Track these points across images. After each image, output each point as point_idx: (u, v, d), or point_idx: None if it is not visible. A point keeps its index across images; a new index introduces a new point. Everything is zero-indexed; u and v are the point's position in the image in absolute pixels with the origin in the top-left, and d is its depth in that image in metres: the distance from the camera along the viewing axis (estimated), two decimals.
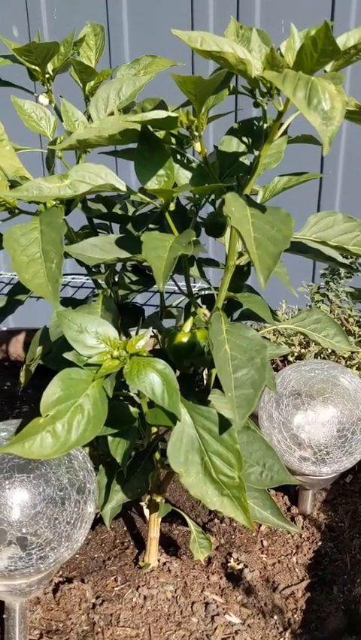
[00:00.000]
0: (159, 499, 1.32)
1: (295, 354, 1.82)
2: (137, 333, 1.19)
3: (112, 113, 1.07)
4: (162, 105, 0.94)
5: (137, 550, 1.47)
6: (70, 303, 1.18)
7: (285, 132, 0.97)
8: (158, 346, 1.20)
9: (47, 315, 1.12)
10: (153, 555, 1.40)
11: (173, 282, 1.14)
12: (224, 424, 0.96)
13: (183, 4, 2.00)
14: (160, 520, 1.37)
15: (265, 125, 0.92)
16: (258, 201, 1.01)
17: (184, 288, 1.09)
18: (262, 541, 1.50)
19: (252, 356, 0.90)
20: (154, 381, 0.91)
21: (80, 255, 0.96)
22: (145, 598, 1.34)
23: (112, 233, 1.25)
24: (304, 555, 1.47)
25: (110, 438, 1.08)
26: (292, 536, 1.51)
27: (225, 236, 1.07)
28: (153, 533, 1.38)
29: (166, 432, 1.22)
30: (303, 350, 1.81)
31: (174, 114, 0.85)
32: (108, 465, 1.19)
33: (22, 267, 0.83)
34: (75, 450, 1.10)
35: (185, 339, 1.04)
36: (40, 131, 1.13)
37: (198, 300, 1.16)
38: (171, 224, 0.95)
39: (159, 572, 1.40)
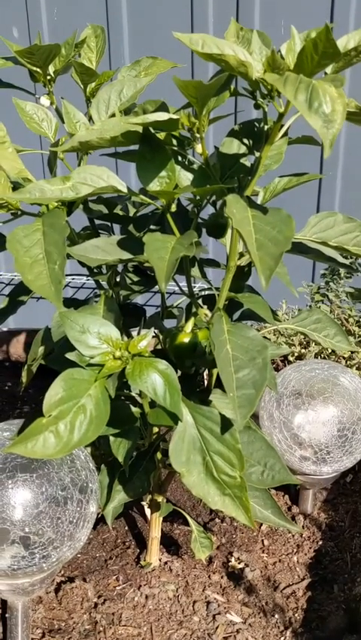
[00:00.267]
0: (160, 498, 1.32)
1: (296, 354, 1.83)
2: (138, 334, 1.20)
3: (113, 115, 1.07)
4: (163, 107, 0.95)
5: (138, 550, 1.48)
6: (71, 303, 1.19)
7: (285, 133, 0.97)
8: (159, 346, 1.21)
9: (47, 315, 1.13)
10: (155, 554, 1.41)
11: (174, 283, 1.15)
12: (225, 423, 0.96)
13: (182, 6, 2.00)
14: (161, 519, 1.38)
15: (266, 127, 0.93)
16: (258, 202, 1.02)
17: (185, 289, 1.10)
18: (263, 540, 1.51)
19: (253, 356, 0.90)
20: (156, 381, 0.91)
21: (82, 256, 0.97)
22: (147, 597, 1.34)
23: (113, 234, 1.25)
24: (305, 554, 1.48)
25: (112, 438, 1.09)
26: (293, 536, 1.52)
27: (226, 237, 1.08)
28: (155, 533, 1.38)
29: (167, 432, 1.22)
30: (303, 350, 1.82)
31: (175, 116, 0.86)
32: (110, 465, 1.20)
33: (26, 268, 0.84)
34: (77, 450, 1.11)
35: (186, 340, 1.05)
36: (41, 132, 1.13)
37: (200, 301, 1.16)
38: (172, 225, 0.95)
39: (161, 571, 1.40)
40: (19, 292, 1.19)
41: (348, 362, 1.79)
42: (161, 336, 1.17)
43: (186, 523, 1.49)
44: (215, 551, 1.47)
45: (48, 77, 1.15)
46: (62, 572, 1.42)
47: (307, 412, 1.41)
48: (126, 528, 1.54)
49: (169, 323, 1.21)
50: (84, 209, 1.17)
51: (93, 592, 1.36)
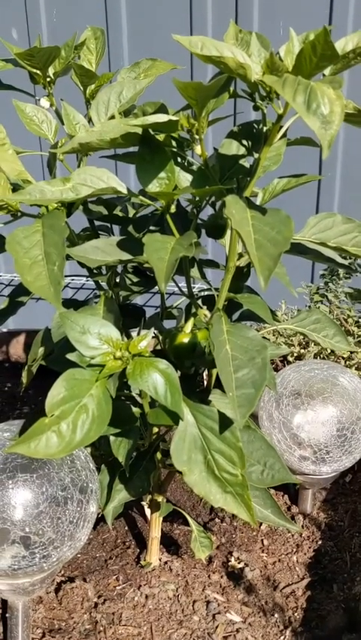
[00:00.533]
0: (160, 498, 1.33)
1: (295, 354, 1.83)
2: (138, 334, 1.20)
3: (113, 116, 1.08)
4: (162, 109, 0.95)
5: (138, 550, 1.48)
6: (71, 304, 1.19)
7: (284, 135, 0.98)
8: (159, 347, 1.21)
9: (47, 316, 1.13)
10: (155, 554, 1.42)
11: (173, 283, 1.15)
12: (226, 422, 0.97)
13: (181, 7, 2.01)
14: (161, 519, 1.38)
15: (265, 128, 0.93)
16: (258, 203, 1.02)
17: (185, 289, 1.10)
18: (262, 540, 1.51)
19: (253, 356, 0.91)
20: (157, 380, 0.92)
21: (82, 257, 0.97)
22: (147, 597, 1.35)
23: (113, 234, 1.26)
24: (305, 554, 1.48)
25: (112, 438, 1.09)
26: (293, 535, 1.52)
27: (225, 238, 1.08)
28: (155, 533, 1.39)
29: (167, 432, 1.23)
30: (303, 350, 1.82)
31: (174, 118, 0.86)
32: (110, 465, 1.20)
33: (25, 269, 0.84)
34: (77, 450, 1.11)
35: (186, 340, 1.05)
36: (41, 134, 1.14)
37: (199, 301, 1.17)
38: (172, 226, 0.96)
39: (161, 571, 1.41)
40: (19, 293, 1.19)
41: (347, 362, 1.79)
42: (161, 337, 1.18)
43: (186, 523, 1.49)
44: (215, 551, 1.47)
45: (48, 79, 1.15)
46: (63, 572, 1.43)
47: (307, 411, 1.41)
48: (126, 528, 1.55)
49: (169, 323, 1.21)
50: (84, 210, 1.18)
51: (93, 592, 1.37)
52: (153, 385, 0.91)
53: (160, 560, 1.43)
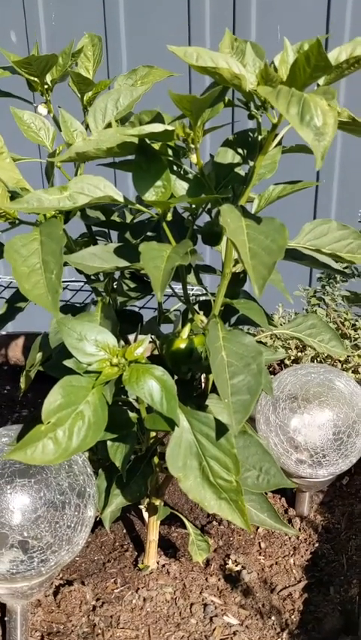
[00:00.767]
0: (157, 502, 1.34)
1: (292, 357, 1.84)
2: (135, 339, 1.21)
3: (110, 124, 1.09)
4: (158, 117, 0.96)
5: (136, 553, 1.49)
6: (69, 309, 1.20)
7: (279, 143, 0.99)
8: (156, 351, 1.22)
9: (45, 319, 1.14)
10: (152, 557, 1.42)
11: (170, 288, 1.16)
12: (221, 429, 0.98)
13: (180, 13, 2.02)
14: (159, 522, 1.39)
15: (260, 137, 0.94)
16: (253, 209, 1.03)
17: (182, 294, 1.11)
18: (259, 543, 1.52)
19: (248, 362, 0.92)
20: (153, 387, 0.93)
21: (79, 264, 0.98)
22: (144, 600, 1.36)
23: (111, 240, 1.26)
24: (302, 556, 1.49)
25: (109, 442, 1.10)
26: (290, 538, 1.53)
27: (221, 245, 1.09)
28: (152, 536, 1.40)
29: (165, 436, 1.24)
30: (299, 353, 1.83)
31: (170, 127, 0.87)
32: (108, 469, 1.21)
33: (23, 277, 0.85)
34: (75, 455, 1.12)
35: (182, 345, 1.06)
36: (39, 141, 1.15)
37: (196, 307, 1.18)
38: (168, 234, 0.97)
39: (158, 574, 1.41)
40: (17, 299, 1.20)
41: (344, 365, 1.80)
42: (158, 342, 1.19)
43: (184, 526, 1.50)
44: (212, 554, 1.48)
45: (45, 86, 1.16)
46: (61, 575, 1.44)
47: (303, 415, 1.42)
48: (124, 531, 1.56)
49: (166, 328, 1.22)
50: (81, 216, 1.19)
51: (91, 595, 1.38)
52: (149, 392, 0.92)
53: (158, 562, 1.44)
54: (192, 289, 1.75)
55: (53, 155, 1.12)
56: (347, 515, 1.60)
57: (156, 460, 1.24)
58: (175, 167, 1.00)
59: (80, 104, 1.21)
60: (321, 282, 1.92)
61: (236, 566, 1.45)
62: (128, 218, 1.26)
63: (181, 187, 1.00)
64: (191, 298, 1.17)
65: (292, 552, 1.50)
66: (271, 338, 1.86)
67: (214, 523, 1.58)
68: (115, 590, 1.39)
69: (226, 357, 0.92)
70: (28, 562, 1.06)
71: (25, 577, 1.09)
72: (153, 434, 1.24)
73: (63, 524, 1.08)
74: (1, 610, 1.31)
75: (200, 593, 1.39)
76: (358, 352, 1.79)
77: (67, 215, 1.07)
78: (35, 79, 1.14)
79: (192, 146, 0.90)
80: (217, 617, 1.33)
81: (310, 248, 1.03)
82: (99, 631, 1.30)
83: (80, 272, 1.07)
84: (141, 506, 1.40)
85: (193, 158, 0.92)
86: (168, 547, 1.50)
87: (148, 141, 0.94)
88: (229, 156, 1.03)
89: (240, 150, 1.03)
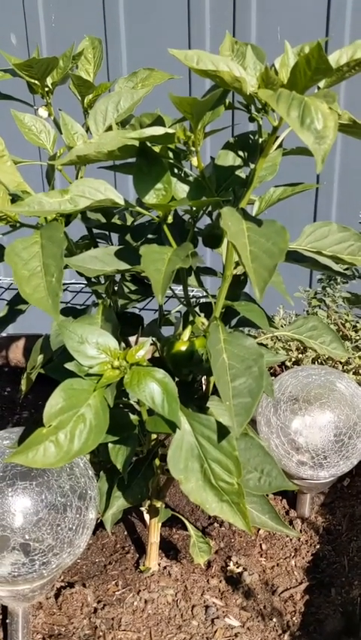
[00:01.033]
0: (159, 504, 1.34)
1: (293, 359, 1.84)
2: (136, 342, 1.21)
3: (110, 126, 1.09)
4: (159, 120, 0.96)
5: (137, 555, 1.49)
6: (70, 311, 1.20)
7: (280, 145, 0.99)
8: (157, 354, 1.22)
9: (46, 321, 1.14)
10: (154, 559, 1.42)
11: (171, 291, 1.16)
12: (223, 431, 0.98)
13: (180, 16, 2.02)
14: (160, 524, 1.39)
15: (261, 140, 0.94)
16: (254, 212, 1.03)
17: (182, 297, 1.11)
18: (261, 544, 1.52)
19: (249, 365, 0.92)
20: (154, 390, 0.93)
21: (80, 267, 0.98)
22: (146, 602, 1.36)
23: (111, 242, 1.27)
24: (303, 558, 1.49)
25: (110, 445, 1.10)
26: (291, 540, 1.53)
27: (222, 247, 1.09)
28: (154, 538, 1.40)
29: (166, 437, 1.24)
30: (300, 355, 1.83)
31: (171, 130, 0.87)
32: (109, 471, 1.21)
33: (24, 280, 0.85)
34: (77, 457, 1.12)
35: (183, 348, 1.06)
36: (40, 144, 1.15)
37: (197, 309, 1.18)
38: (169, 236, 0.97)
39: (160, 576, 1.42)
40: (18, 301, 1.20)
41: (345, 367, 1.80)
42: (159, 344, 1.19)
43: (185, 528, 1.50)
44: (214, 556, 1.48)
45: (46, 89, 1.16)
46: (62, 578, 1.44)
47: (304, 417, 1.42)
48: (125, 533, 1.56)
49: (167, 330, 1.22)
50: (82, 218, 1.19)
51: (93, 597, 1.38)
52: (150, 395, 0.92)
53: (159, 564, 1.44)
54: (193, 291, 1.75)
55: (54, 157, 1.12)
56: (348, 517, 1.60)
57: (157, 462, 1.24)
58: (176, 170, 1.00)
59: (81, 106, 1.21)
60: (322, 283, 1.92)
61: (237, 567, 1.45)
62: (129, 220, 1.26)
63: (182, 190, 1.00)
64: (192, 300, 1.17)
65: (293, 554, 1.50)
66: (272, 340, 1.86)
67: (215, 524, 1.58)
68: (116, 592, 1.39)
69: (227, 359, 0.92)
70: (29, 564, 1.06)
71: (27, 579, 1.09)
72: (154, 436, 1.24)
73: (65, 527, 1.08)
74: (2, 612, 1.32)
75: (201, 594, 1.39)
76: (359, 354, 1.79)
77: (68, 218, 1.07)
78: (36, 81, 1.14)
79: (193, 148, 0.90)
80: (219, 619, 1.33)
81: (311, 250, 1.03)
82: (100, 633, 1.30)
83: (80, 274, 1.07)
84: (142, 508, 1.40)
85: (194, 160, 0.92)
86: (169, 549, 1.50)
87: (149, 144, 0.94)
88: (229, 159, 1.03)
89: (241, 153, 1.03)
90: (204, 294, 1.19)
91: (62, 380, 0.93)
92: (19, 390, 1.25)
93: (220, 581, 1.42)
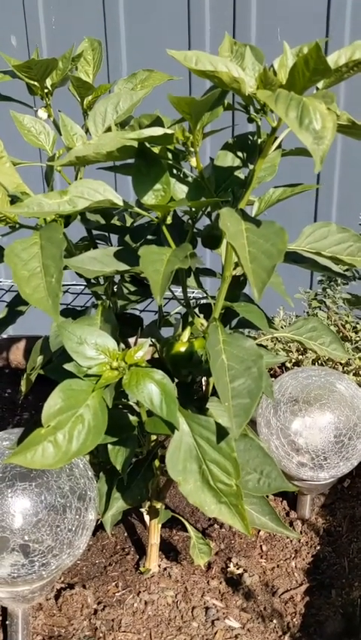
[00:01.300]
0: (158, 505, 1.34)
1: (293, 360, 1.84)
2: (135, 343, 1.21)
3: (110, 128, 1.09)
4: (158, 121, 0.96)
5: (137, 556, 1.49)
6: (70, 313, 1.20)
7: (279, 146, 0.99)
8: (156, 355, 1.22)
9: (46, 322, 1.14)
10: (154, 561, 1.42)
11: (170, 292, 1.16)
12: (221, 432, 0.98)
13: (180, 16, 2.02)
14: (160, 526, 1.39)
15: (260, 140, 0.94)
16: (253, 213, 1.03)
17: (182, 298, 1.11)
18: (261, 546, 1.52)
19: (248, 366, 0.92)
20: (152, 391, 0.93)
21: (79, 268, 0.98)
22: (146, 603, 1.36)
23: (111, 243, 1.27)
24: (303, 559, 1.49)
25: (110, 446, 1.10)
26: (291, 541, 1.53)
27: (221, 248, 1.09)
28: (154, 539, 1.40)
29: (166, 439, 1.24)
30: (300, 356, 1.83)
31: (170, 131, 0.87)
32: (108, 472, 1.21)
33: (23, 281, 0.85)
34: (76, 458, 1.12)
35: (183, 349, 1.06)
36: (39, 145, 1.15)
37: (196, 310, 1.18)
38: (168, 237, 0.97)
39: (160, 577, 1.41)
40: (18, 302, 1.20)
41: (345, 368, 1.80)
42: (158, 345, 1.19)
43: (185, 529, 1.50)
44: (214, 557, 1.48)
45: (46, 90, 1.16)
46: (62, 579, 1.43)
47: (304, 418, 1.42)
48: (125, 534, 1.56)
49: (166, 331, 1.22)
50: (81, 220, 1.19)
51: (93, 598, 1.38)
52: (149, 396, 0.92)
53: (159, 566, 1.44)
54: (193, 292, 1.75)
55: (53, 158, 1.12)
56: (348, 518, 1.59)
57: (156, 463, 1.24)
58: (175, 171, 1.00)
59: (80, 108, 1.21)
60: (322, 284, 1.92)
61: (238, 569, 1.45)
62: (128, 221, 1.26)
63: (181, 190, 1.00)
64: (191, 301, 1.17)
65: (293, 555, 1.50)
66: (271, 341, 1.86)
67: (216, 526, 1.57)
68: (116, 594, 1.39)
69: (226, 360, 0.92)
70: (29, 565, 1.06)
71: (27, 581, 1.09)
72: (153, 437, 1.24)
73: (64, 528, 1.08)
74: (2, 614, 1.31)
75: (202, 596, 1.38)
76: (359, 355, 1.79)
77: (67, 219, 1.07)
78: (35, 83, 1.14)
79: (192, 149, 0.90)
80: (219, 621, 1.33)
81: (311, 251, 1.03)
82: (101, 634, 1.30)
83: (80, 275, 1.07)
84: (142, 509, 1.40)
85: (193, 161, 0.92)
86: (169, 550, 1.50)
87: (148, 145, 0.94)
88: (228, 159, 1.03)
89: (240, 153, 1.03)
90: (204, 295, 1.19)
91: (61, 381, 0.93)
92: (19, 391, 1.25)
93: (220, 583, 1.42)
